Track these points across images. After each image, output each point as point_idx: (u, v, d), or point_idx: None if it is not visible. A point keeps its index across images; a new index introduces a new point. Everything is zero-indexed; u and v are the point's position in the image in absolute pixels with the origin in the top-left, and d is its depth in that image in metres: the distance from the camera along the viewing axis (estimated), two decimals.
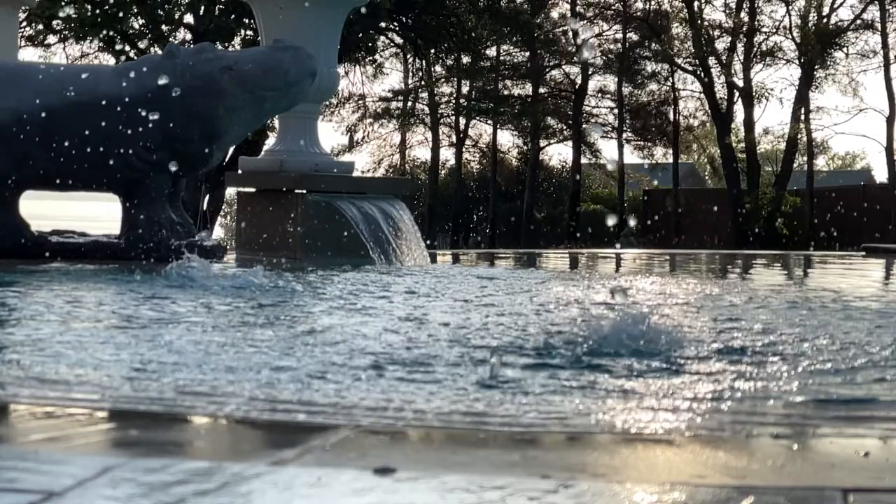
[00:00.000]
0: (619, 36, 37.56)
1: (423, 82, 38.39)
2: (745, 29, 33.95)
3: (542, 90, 37.75)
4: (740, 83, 34.11)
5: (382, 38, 33.84)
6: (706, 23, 34.70)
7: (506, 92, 38.26)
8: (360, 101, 37.97)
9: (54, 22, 26.50)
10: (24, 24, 26.50)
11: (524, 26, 35.69)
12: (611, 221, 32.35)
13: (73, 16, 24.63)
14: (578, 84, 37.48)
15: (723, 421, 2.71)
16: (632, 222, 35.29)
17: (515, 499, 1.81)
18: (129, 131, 7.48)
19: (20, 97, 7.53)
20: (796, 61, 34.32)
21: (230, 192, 25.28)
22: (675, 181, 37.34)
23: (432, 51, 35.29)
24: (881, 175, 49.62)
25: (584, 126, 36.09)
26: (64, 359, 3.45)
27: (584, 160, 37.76)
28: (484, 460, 2.19)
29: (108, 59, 27.91)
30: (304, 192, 9.15)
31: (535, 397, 2.98)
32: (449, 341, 4.05)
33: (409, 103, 39.32)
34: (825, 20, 33.76)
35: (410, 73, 39.18)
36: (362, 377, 3.24)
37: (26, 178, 7.69)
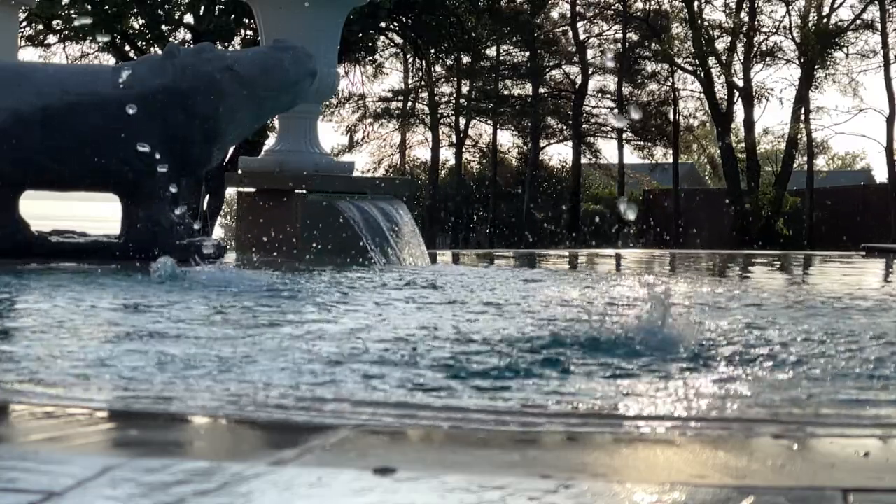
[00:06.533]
0: (619, 36, 37.56)
1: (423, 82, 38.35)
2: (745, 29, 33.92)
3: (542, 90, 37.73)
4: (740, 83, 34.08)
5: (382, 38, 33.82)
6: (706, 23, 34.68)
7: (506, 92, 38.23)
8: (360, 101, 37.94)
9: (54, 22, 26.49)
10: (24, 24, 26.49)
11: (524, 26, 35.67)
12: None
13: (74, 16, 24.62)
14: (578, 84, 37.45)
15: (726, 419, 2.71)
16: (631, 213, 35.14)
17: (515, 499, 1.81)
18: (129, 131, 7.47)
19: (20, 97, 7.53)
20: (796, 61, 34.30)
21: (230, 192, 25.27)
22: (675, 181, 37.30)
23: (432, 51, 35.26)
24: (881, 175, 49.52)
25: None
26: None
27: (584, 160, 37.75)
28: (484, 460, 2.19)
29: (109, 59, 27.92)
30: (305, 192, 9.15)
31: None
32: None
33: (409, 103, 39.28)
34: (825, 20, 33.74)
35: (410, 73, 39.14)
36: None
37: (26, 178, 7.69)
